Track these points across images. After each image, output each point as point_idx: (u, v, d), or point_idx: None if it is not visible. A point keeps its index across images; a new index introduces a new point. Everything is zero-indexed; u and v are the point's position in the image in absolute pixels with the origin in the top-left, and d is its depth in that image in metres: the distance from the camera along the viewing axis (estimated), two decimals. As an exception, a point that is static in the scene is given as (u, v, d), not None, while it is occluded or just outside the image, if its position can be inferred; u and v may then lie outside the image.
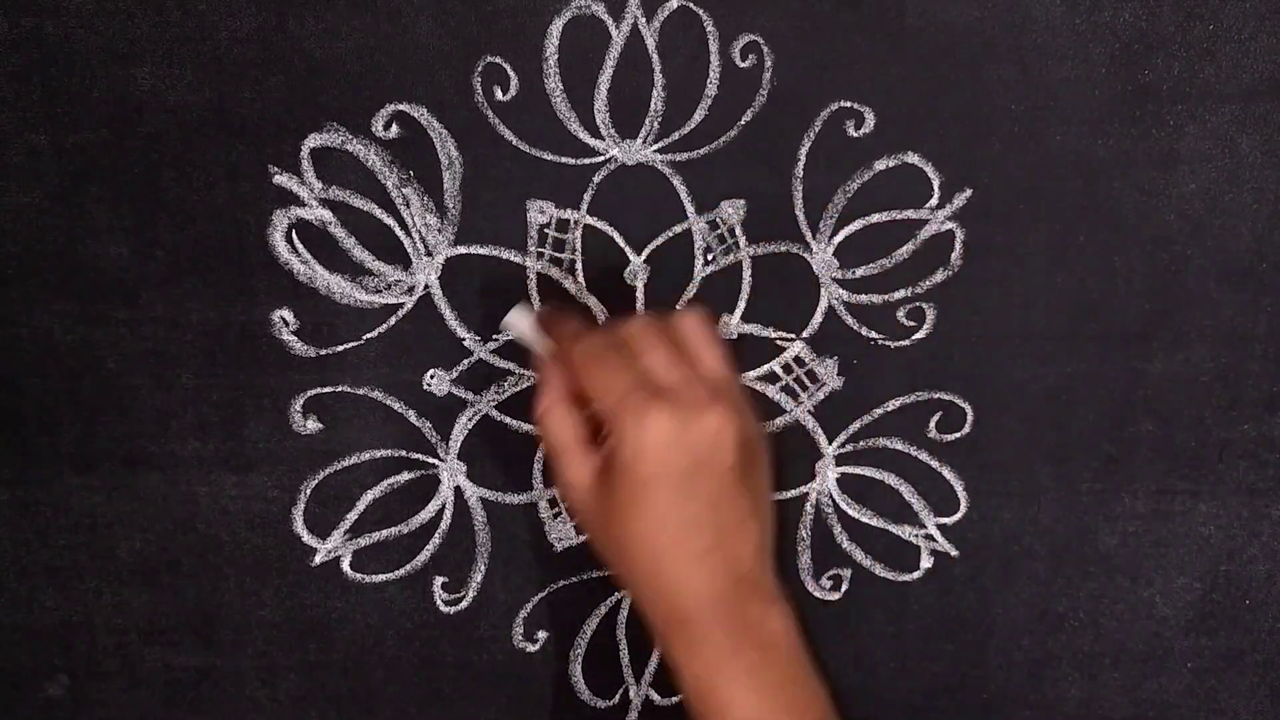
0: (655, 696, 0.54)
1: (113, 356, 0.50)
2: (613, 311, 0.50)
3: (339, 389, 0.50)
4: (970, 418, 0.51)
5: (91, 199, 0.48)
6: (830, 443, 0.52)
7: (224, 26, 0.46)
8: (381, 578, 0.53)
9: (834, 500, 0.52)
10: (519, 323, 0.46)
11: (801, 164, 0.48)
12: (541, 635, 0.54)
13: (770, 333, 0.51)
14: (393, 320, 0.50)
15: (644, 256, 0.50)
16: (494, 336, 0.50)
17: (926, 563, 0.53)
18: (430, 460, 0.52)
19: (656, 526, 0.41)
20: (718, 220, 0.49)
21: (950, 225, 0.49)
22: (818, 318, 0.50)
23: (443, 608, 0.53)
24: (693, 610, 0.41)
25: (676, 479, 0.40)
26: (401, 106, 0.47)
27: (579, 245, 0.49)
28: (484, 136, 0.48)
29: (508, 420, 0.51)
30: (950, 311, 0.50)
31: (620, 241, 0.49)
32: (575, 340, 0.43)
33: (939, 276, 0.50)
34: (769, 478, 0.45)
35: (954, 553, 0.53)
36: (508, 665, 0.54)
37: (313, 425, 0.51)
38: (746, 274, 0.50)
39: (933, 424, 0.51)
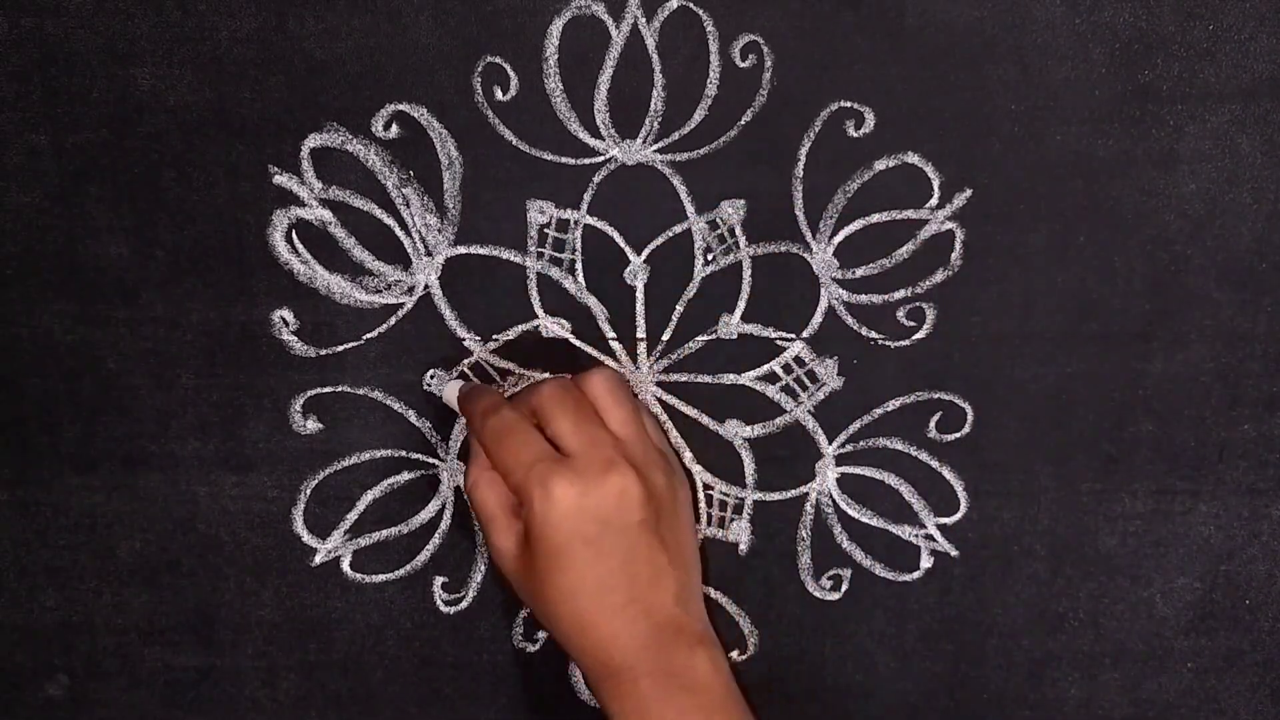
0: (655, 696, 0.54)
1: (113, 356, 0.50)
2: (612, 311, 0.50)
3: (339, 389, 0.50)
4: (970, 418, 0.51)
5: (91, 199, 0.48)
6: (830, 443, 0.52)
7: (224, 26, 0.46)
8: (381, 578, 0.53)
9: (834, 500, 0.52)
10: (450, 396, 0.49)
11: (801, 164, 0.48)
12: (541, 635, 0.54)
13: (770, 333, 0.51)
14: (393, 320, 0.50)
15: (644, 256, 0.50)
16: (494, 337, 0.50)
17: (926, 563, 0.53)
18: (430, 460, 0.52)
19: (574, 588, 0.43)
20: (718, 220, 0.49)
21: (950, 225, 0.49)
22: (818, 318, 0.50)
23: (443, 608, 0.53)
24: (618, 660, 0.43)
25: (586, 542, 0.43)
26: (401, 106, 0.47)
27: (579, 245, 0.49)
28: (484, 136, 0.48)
29: (508, 420, 0.51)
30: (950, 311, 0.50)
31: (620, 241, 0.49)
32: (486, 417, 0.45)
33: (939, 276, 0.50)
34: (689, 524, 0.47)
35: (954, 553, 0.53)
36: (508, 665, 0.54)
37: (313, 425, 0.51)
38: (746, 274, 0.50)
39: (933, 424, 0.51)
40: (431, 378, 0.51)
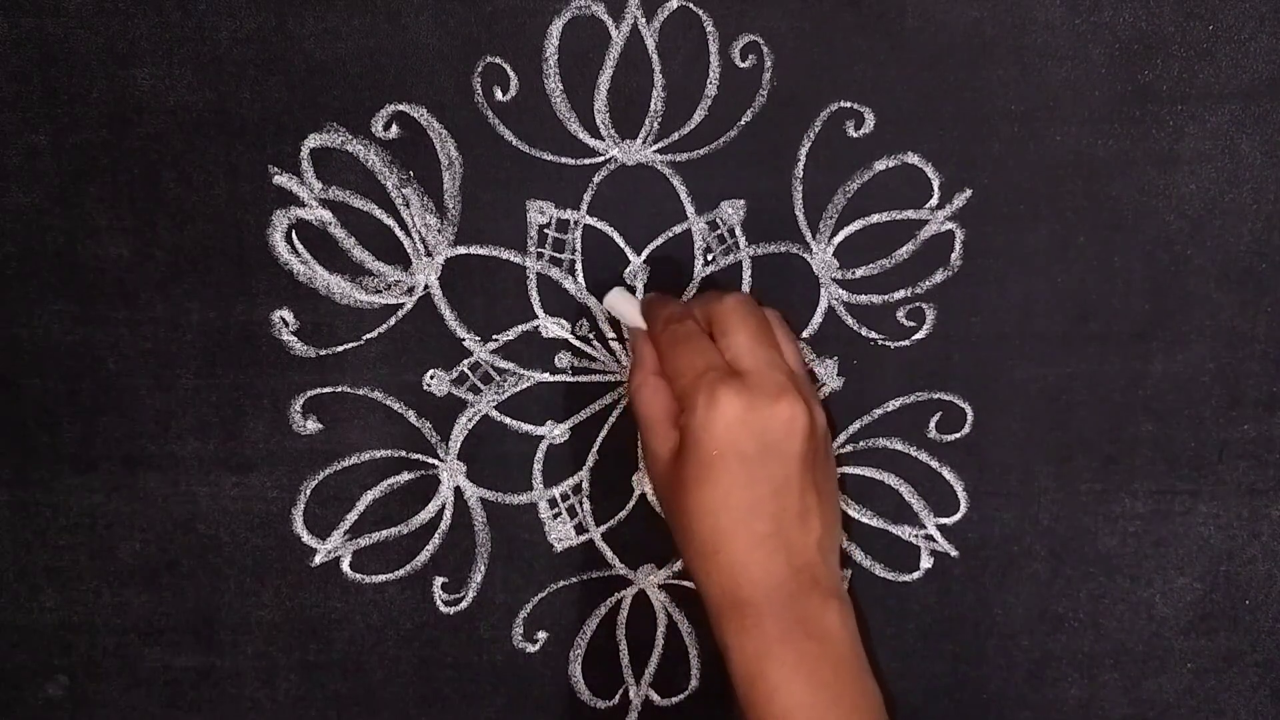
0: (655, 697, 0.54)
1: (113, 356, 0.50)
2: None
3: (339, 389, 0.50)
4: (970, 418, 0.51)
5: (91, 199, 0.48)
6: (830, 443, 0.52)
7: (224, 27, 0.46)
8: (381, 578, 0.53)
9: (834, 500, 0.52)
10: (619, 302, 0.47)
11: (801, 164, 0.48)
12: (541, 635, 0.54)
13: (770, 333, 0.50)
14: (393, 320, 0.50)
15: (644, 257, 0.50)
16: (494, 337, 0.50)
17: (926, 563, 0.53)
18: (430, 460, 0.52)
19: (719, 505, 0.42)
20: (718, 220, 0.49)
21: (950, 225, 0.49)
22: (817, 318, 0.50)
23: (443, 608, 0.53)
24: (747, 593, 0.42)
25: (743, 460, 0.41)
26: (401, 106, 0.47)
27: (579, 245, 0.49)
28: (484, 136, 0.48)
29: (508, 420, 0.51)
30: (950, 311, 0.50)
31: (620, 242, 0.49)
32: (669, 322, 0.44)
33: (939, 276, 0.50)
34: (835, 474, 0.46)
35: (954, 553, 0.53)
36: (508, 665, 0.54)
37: (313, 425, 0.51)
38: (746, 274, 0.50)
39: (933, 424, 0.51)
40: (432, 378, 0.51)
